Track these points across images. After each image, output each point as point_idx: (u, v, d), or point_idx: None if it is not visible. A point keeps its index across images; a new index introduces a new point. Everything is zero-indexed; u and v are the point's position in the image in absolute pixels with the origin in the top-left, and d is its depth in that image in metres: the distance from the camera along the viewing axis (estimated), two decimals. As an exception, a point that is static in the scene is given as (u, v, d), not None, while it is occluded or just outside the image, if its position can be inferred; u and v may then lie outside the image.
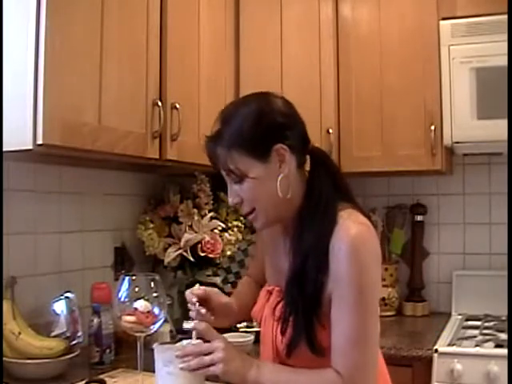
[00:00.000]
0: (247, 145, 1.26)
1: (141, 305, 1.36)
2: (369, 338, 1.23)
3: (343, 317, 1.22)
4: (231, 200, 1.32)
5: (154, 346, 1.32)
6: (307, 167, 1.34)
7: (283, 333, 1.28)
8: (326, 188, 1.31)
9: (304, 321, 1.24)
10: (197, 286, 1.44)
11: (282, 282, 1.35)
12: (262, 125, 1.28)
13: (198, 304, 1.37)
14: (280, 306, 1.32)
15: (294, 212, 1.32)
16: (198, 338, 1.28)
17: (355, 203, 1.34)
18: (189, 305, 1.39)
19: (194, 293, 1.40)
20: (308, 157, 1.35)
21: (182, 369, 1.24)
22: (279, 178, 1.27)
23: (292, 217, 1.32)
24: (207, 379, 1.35)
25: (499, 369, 1.92)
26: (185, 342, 1.32)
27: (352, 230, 1.23)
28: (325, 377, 1.23)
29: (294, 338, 1.26)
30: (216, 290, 1.49)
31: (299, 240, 1.29)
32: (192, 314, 1.37)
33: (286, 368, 1.27)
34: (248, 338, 2.09)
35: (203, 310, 1.36)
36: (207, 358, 1.22)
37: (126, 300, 1.38)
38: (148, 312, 1.39)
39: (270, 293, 1.40)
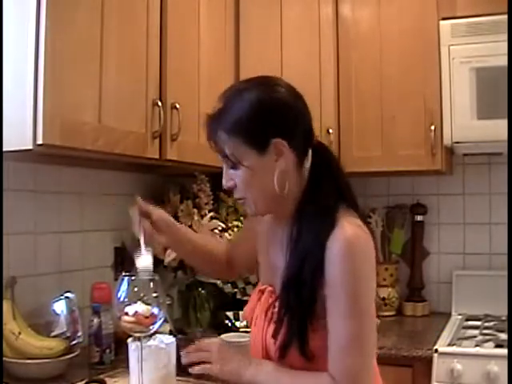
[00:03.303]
0: (245, 134, 1.24)
1: (142, 309, 1.36)
2: (364, 343, 1.20)
3: (338, 322, 1.20)
4: (224, 183, 1.31)
5: (129, 341, 1.33)
6: (307, 164, 1.31)
7: (275, 336, 1.26)
8: (328, 189, 1.28)
9: (298, 324, 1.23)
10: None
11: (276, 280, 1.33)
12: (262, 116, 1.25)
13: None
14: (272, 307, 1.31)
15: (291, 209, 1.29)
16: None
17: (355, 204, 1.31)
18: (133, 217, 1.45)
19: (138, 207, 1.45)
20: (310, 153, 1.32)
21: (183, 363, 1.30)
22: (276, 172, 1.25)
23: (289, 214, 1.30)
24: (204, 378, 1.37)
25: (499, 369, 1.92)
26: (158, 337, 1.35)
27: (348, 234, 1.20)
28: (320, 381, 1.22)
29: (286, 342, 1.24)
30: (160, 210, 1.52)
31: (297, 241, 1.26)
32: (135, 227, 1.44)
33: (282, 369, 1.26)
34: (248, 338, 2.08)
35: (146, 224, 1.44)
36: (204, 354, 1.28)
37: (126, 300, 1.38)
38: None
39: (262, 292, 1.38)
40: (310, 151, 1.32)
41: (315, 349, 1.23)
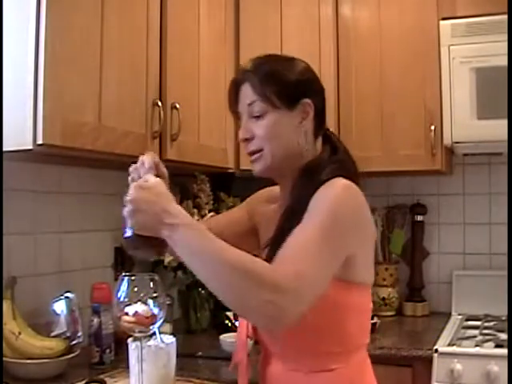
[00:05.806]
0: (282, 86, 1.31)
1: (142, 309, 1.37)
2: (321, 256, 1.14)
3: (304, 228, 1.17)
4: (242, 134, 1.34)
5: (129, 341, 1.33)
6: (318, 146, 1.36)
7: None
8: (330, 164, 1.31)
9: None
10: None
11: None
12: (303, 77, 1.35)
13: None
14: None
15: (293, 175, 1.32)
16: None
17: (356, 180, 1.30)
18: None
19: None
20: (320, 137, 1.37)
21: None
22: (302, 130, 1.31)
23: (292, 178, 1.32)
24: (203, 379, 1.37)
25: (499, 369, 1.92)
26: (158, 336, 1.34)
27: (335, 184, 1.23)
28: (256, 260, 1.12)
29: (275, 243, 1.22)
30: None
31: (291, 197, 1.30)
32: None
33: (215, 237, 1.13)
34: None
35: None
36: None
37: (126, 300, 1.38)
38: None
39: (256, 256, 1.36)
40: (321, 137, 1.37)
41: None
